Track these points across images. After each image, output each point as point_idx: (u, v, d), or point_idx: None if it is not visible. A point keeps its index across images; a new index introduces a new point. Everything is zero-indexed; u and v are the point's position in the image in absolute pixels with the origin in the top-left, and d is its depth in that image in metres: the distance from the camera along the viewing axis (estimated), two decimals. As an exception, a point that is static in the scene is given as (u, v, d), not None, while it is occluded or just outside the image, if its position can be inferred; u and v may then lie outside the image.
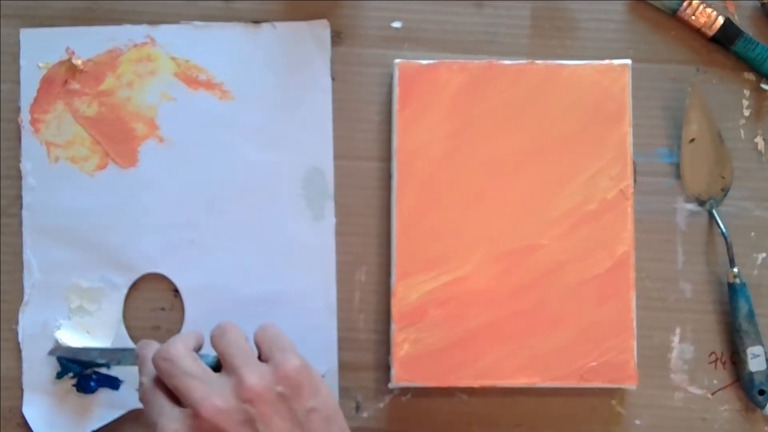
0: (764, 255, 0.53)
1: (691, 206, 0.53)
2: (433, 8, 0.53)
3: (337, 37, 0.53)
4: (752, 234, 0.53)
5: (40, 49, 0.53)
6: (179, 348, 0.43)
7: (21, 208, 0.52)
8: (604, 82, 0.51)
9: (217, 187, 0.52)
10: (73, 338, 0.51)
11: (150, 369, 0.43)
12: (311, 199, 0.52)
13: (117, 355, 0.49)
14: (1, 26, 0.53)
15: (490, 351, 0.50)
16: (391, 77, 0.52)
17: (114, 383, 0.51)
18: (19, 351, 0.51)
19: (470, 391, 0.52)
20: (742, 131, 0.54)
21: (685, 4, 0.53)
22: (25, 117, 0.52)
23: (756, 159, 0.54)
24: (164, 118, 0.52)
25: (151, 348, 0.44)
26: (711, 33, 0.53)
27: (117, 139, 0.52)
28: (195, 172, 0.52)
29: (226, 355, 0.43)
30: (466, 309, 0.50)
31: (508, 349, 0.50)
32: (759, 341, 0.51)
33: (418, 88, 0.51)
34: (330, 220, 0.52)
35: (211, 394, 0.40)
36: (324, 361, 0.51)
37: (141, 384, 0.44)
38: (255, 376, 0.41)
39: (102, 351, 0.50)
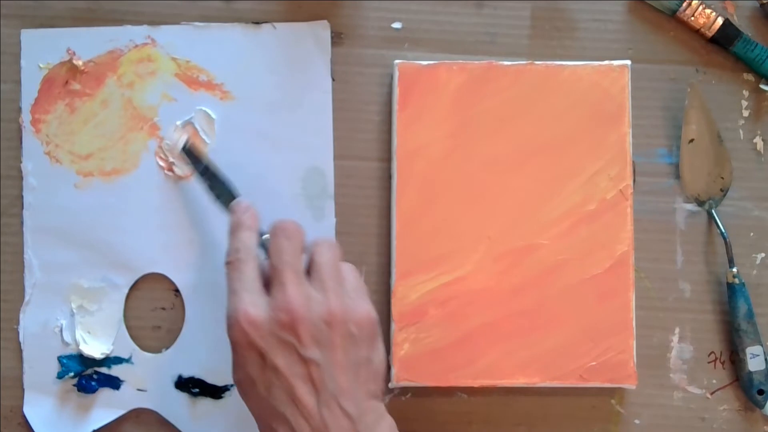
0: (763, 255, 0.53)
1: (691, 206, 0.53)
2: (433, 8, 0.53)
3: (337, 38, 0.53)
4: (751, 234, 0.53)
5: (41, 49, 0.53)
6: (295, 235, 0.44)
7: (22, 208, 0.52)
8: (603, 82, 0.51)
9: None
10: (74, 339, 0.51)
11: (246, 237, 0.44)
12: (311, 199, 0.52)
13: (222, 192, 0.49)
14: (2, 26, 0.53)
15: (490, 351, 0.50)
16: (391, 77, 0.52)
17: (114, 383, 0.51)
18: (20, 351, 0.51)
19: (470, 391, 0.52)
20: (741, 132, 0.54)
21: (684, 4, 0.53)
22: (26, 117, 0.52)
23: (755, 159, 0.54)
24: (165, 118, 0.52)
25: (248, 215, 0.46)
26: (710, 34, 0.53)
27: (117, 139, 0.52)
28: (195, 172, 0.52)
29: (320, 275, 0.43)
30: (466, 309, 0.50)
31: (508, 348, 0.50)
32: (758, 341, 0.51)
33: (418, 89, 0.51)
34: (330, 220, 0.52)
35: (307, 298, 0.42)
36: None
37: (235, 249, 0.44)
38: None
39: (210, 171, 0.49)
